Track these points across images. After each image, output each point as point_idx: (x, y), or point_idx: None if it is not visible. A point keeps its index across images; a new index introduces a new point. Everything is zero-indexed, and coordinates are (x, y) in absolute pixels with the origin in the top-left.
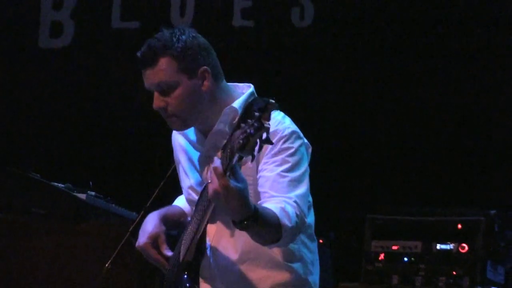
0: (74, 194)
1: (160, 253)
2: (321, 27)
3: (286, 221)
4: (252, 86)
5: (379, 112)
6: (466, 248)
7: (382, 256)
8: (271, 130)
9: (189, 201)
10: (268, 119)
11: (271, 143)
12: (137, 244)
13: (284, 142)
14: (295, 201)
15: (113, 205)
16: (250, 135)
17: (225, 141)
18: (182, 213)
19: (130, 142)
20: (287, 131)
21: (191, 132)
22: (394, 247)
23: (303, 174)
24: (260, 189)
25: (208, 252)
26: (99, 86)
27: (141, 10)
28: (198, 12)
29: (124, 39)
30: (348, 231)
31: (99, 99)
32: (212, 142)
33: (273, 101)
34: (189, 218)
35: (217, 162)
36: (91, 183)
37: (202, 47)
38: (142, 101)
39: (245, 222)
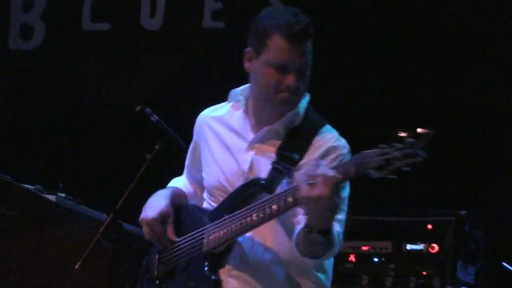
0: (44, 195)
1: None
2: None
3: (336, 242)
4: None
5: (345, 111)
6: (436, 248)
7: (352, 257)
8: (332, 144)
9: (212, 187)
10: (425, 149)
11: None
12: (143, 216)
13: (343, 159)
14: (341, 222)
15: (83, 206)
16: (396, 158)
17: (279, 142)
18: (185, 196)
19: (100, 143)
20: (345, 150)
21: (233, 118)
22: (364, 248)
23: (348, 194)
24: None
25: (238, 246)
26: (69, 88)
27: (111, 12)
28: (168, 14)
29: (94, 41)
30: None
31: (69, 100)
32: (263, 136)
33: (430, 130)
34: (207, 206)
35: (330, 171)
36: (61, 184)
37: None
38: (113, 102)
39: (322, 233)
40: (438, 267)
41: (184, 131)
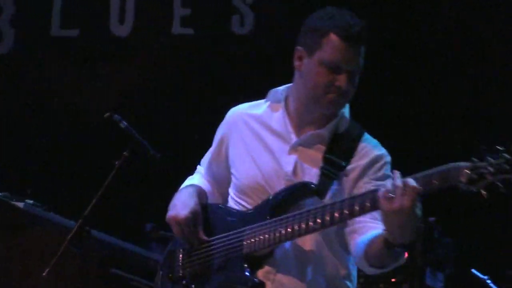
0: (12, 202)
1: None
2: (260, 35)
3: (404, 257)
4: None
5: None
6: (405, 255)
7: None
8: (378, 152)
9: (246, 186)
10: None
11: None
12: (174, 214)
13: (387, 169)
14: None
15: (52, 213)
16: (489, 173)
17: (323, 147)
18: (206, 195)
19: (68, 149)
20: (389, 159)
21: (272, 119)
22: None
23: None
24: None
25: (278, 250)
26: (38, 93)
27: (81, 18)
28: (137, 20)
29: (63, 47)
30: None
31: (38, 106)
32: (307, 139)
33: None
34: (235, 205)
35: (411, 181)
36: (29, 191)
37: None
38: (82, 108)
39: (402, 247)
40: (407, 274)
41: (154, 138)
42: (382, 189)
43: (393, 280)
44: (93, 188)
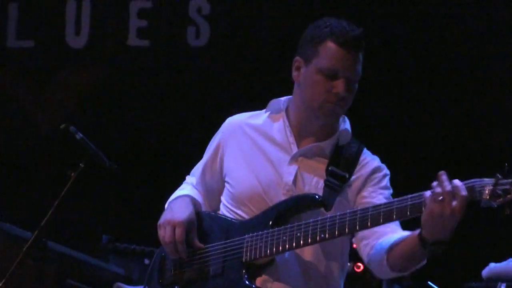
0: None
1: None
2: (216, 47)
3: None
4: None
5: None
6: (362, 267)
7: None
8: (377, 164)
9: (243, 196)
10: None
11: None
12: (170, 218)
13: (387, 180)
14: None
15: (8, 224)
16: (497, 195)
17: (325, 159)
18: (200, 205)
19: (24, 160)
20: (388, 171)
21: (272, 129)
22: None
23: None
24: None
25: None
26: None
27: (36, 30)
28: (93, 31)
29: (19, 58)
30: None
31: None
32: (309, 151)
33: None
34: (228, 215)
35: (462, 186)
36: None
37: None
38: (38, 119)
39: (438, 246)
40: (364, 286)
41: (109, 149)
42: (429, 192)
43: None
44: (50, 199)
